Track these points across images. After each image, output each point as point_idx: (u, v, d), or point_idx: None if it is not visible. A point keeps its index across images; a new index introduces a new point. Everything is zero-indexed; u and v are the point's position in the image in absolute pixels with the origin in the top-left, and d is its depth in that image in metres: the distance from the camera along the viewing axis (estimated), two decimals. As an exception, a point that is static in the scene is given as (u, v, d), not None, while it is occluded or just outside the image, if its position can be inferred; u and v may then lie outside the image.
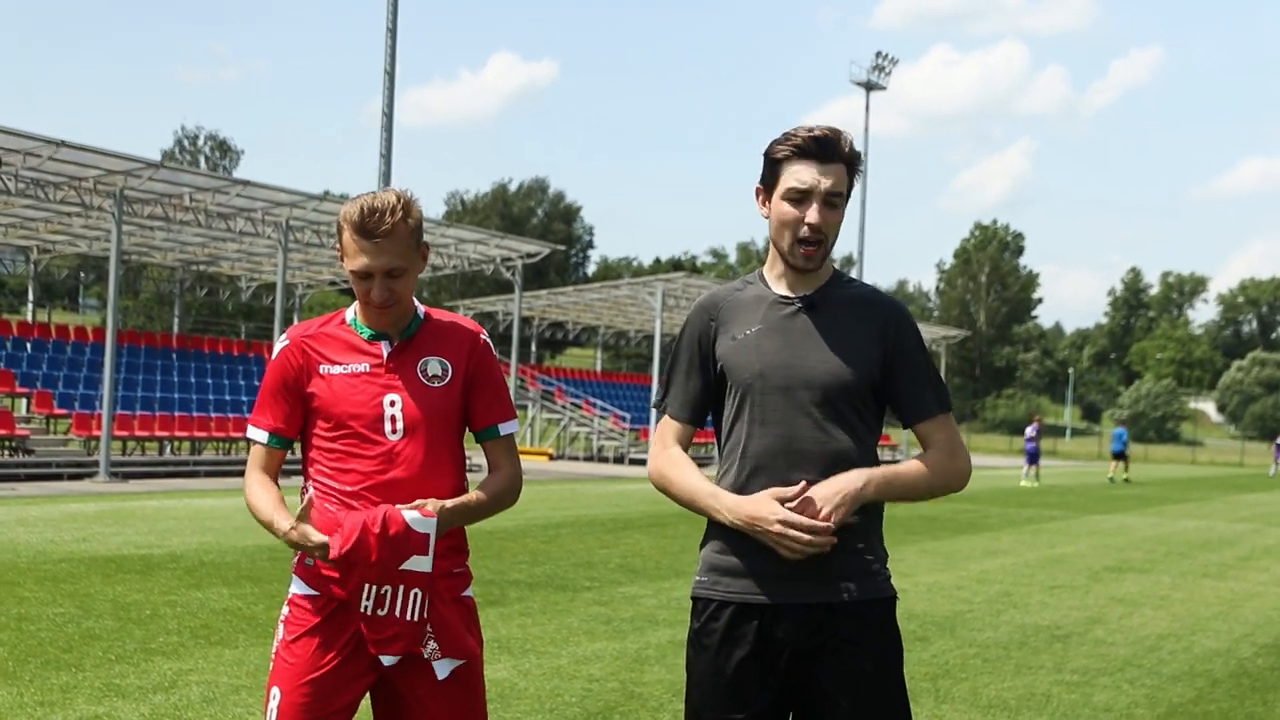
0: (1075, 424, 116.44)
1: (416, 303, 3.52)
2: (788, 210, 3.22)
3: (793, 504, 3.13)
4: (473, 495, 3.46)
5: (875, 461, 3.33)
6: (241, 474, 3.61)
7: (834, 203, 3.22)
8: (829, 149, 3.19)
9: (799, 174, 3.20)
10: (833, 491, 3.14)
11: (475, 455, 3.64)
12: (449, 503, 3.36)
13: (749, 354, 3.29)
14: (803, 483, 3.14)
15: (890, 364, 3.30)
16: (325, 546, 3.24)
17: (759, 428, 3.25)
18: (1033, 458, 39.13)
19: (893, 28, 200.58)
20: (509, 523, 16.80)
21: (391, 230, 3.31)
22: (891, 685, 3.26)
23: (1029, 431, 40.55)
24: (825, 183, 3.19)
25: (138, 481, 25.24)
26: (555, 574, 12.64)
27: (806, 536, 3.09)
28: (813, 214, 3.20)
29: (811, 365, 3.24)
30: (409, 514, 3.25)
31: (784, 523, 3.11)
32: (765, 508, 3.14)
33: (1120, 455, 43.61)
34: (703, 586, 3.32)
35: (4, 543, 13.52)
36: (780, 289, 3.34)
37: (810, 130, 3.22)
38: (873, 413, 3.33)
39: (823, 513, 3.12)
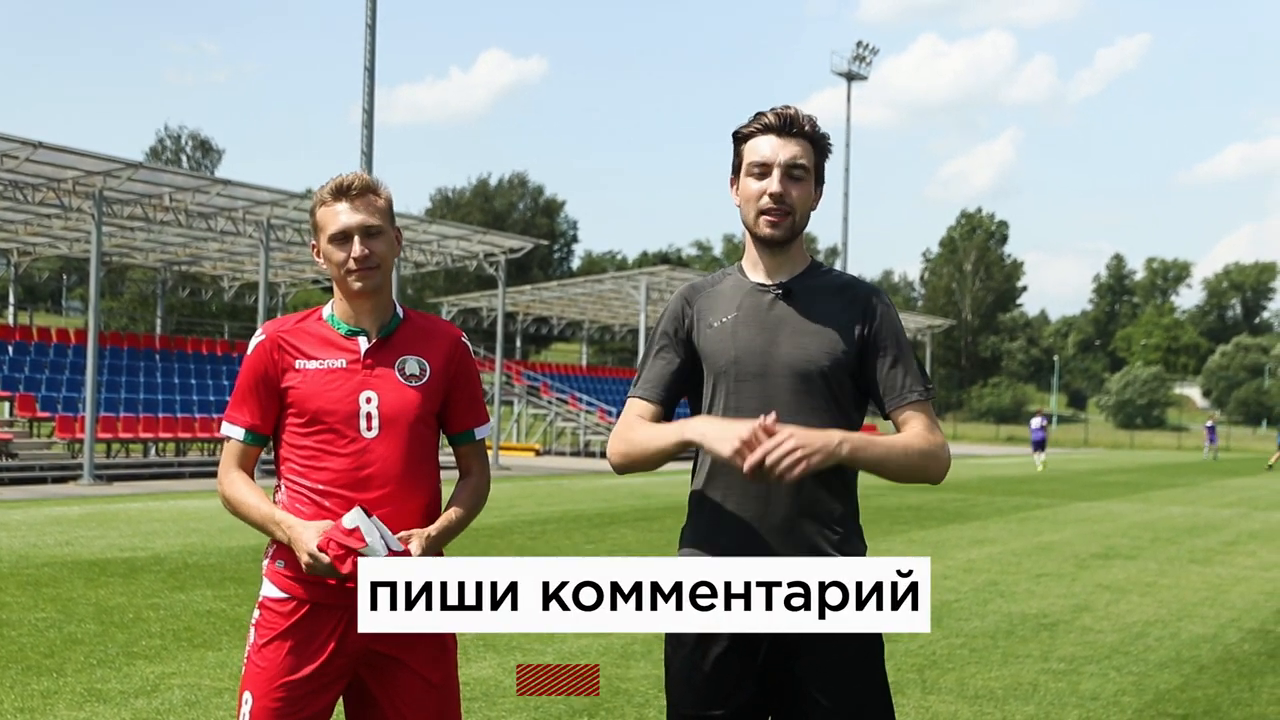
0: (1061, 411, 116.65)
1: (396, 302, 3.50)
2: (751, 185, 3.24)
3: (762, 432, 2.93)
4: (452, 513, 3.46)
5: None
6: None
7: (797, 175, 3.22)
8: (788, 123, 3.23)
9: (759, 148, 3.23)
10: (808, 438, 2.94)
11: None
12: (433, 530, 3.35)
13: (724, 341, 3.26)
14: (773, 415, 2.97)
15: (867, 347, 3.24)
16: (332, 568, 3.15)
17: (733, 415, 3.18)
18: (1039, 445, 43.09)
19: (881, 19, 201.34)
20: (495, 519, 16.75)
21: (364, 191, 3.38)
22: (871, 679, 3.21)
23: (1035, 422, 44.85)
24: (785, 154, 3.20)
25: (122, 484, 25.10)
26: (541, 570, 12.57)
27: (768, 455, 2.89)
28: (774, 183, 3.20)
29: (786, 351, 3.21)
30: (350, 523, 3.15)
31: (764, 429, 2.92)
32: (746, 426, 2.95)
33: None
34: None
35: (-14, 547, 13.43)
36: (757, 276, 3.32)
37: (771, 109, 3.27)
38: (852, 400, 3.26)
39: (796, 454, 2.90)
